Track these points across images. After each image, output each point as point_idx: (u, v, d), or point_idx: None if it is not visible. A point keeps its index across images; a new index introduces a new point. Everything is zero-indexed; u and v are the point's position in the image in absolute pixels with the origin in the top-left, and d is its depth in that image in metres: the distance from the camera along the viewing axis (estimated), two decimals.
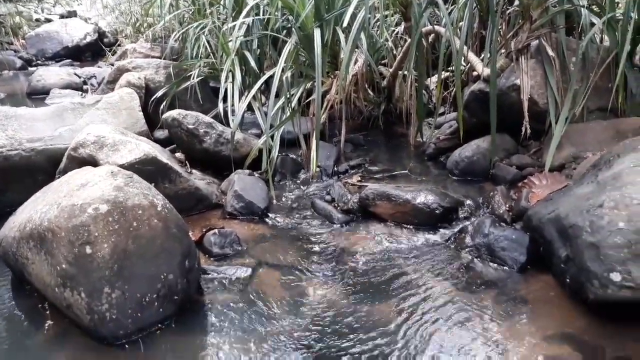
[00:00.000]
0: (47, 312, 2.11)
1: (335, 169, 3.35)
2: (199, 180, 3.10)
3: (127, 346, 1.84)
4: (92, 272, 1.80)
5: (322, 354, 1.78)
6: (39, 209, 2.04)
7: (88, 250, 1.79)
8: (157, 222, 1.94)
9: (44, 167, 3.03)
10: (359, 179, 3.09)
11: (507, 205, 2.56)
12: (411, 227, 2.63)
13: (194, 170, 3.26)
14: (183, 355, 1.85)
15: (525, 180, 2.68)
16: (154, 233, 1.92)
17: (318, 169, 3.19)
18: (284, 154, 3.40)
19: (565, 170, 2.67)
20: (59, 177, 2.78)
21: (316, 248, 2.55)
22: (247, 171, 3.21)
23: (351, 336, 1.86)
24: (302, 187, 3.23)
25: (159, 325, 1.93)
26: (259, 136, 3.54)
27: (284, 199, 3.09)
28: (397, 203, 2.65)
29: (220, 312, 2.06)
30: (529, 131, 2.78)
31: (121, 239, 1.84)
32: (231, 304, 2.10)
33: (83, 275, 1.80)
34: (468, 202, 2.69)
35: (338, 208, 2.84)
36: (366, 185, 2.84)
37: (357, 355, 1.77)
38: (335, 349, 1.80)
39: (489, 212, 2.58)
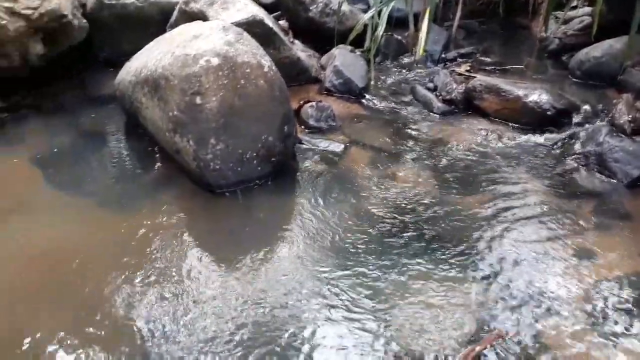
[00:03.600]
0: (157, 156, 2.30)
1: (443, 55, 3.16)
2: (300, 51, 3.07)
3: (227, 194, 1.98)
4: (200, 122, 1.89)
5: (402, 232, 1.82)
6: (154, 56, 2.12)
7: (198, 100, 1.87)
8: (263, 83, 1.97)
9: (155, 19, 3.11)
10: (468, 68, 2.90)
11: (630, 116, 2.31)
12: (517, 126, 2.48)
13: (295, 41, 3.21)
14: (275, 211, 1.97)
15: None
16: (259, 93, 1.96)
17: (424, 54, 3.01)
18: (389, 33, 3.24)
19: None
20: (169, 30, 2.85)
21: (411, 134, 2.50)
22: (349, 47, 3.11)
23: (433, 221, 1.87)
24: (403, 70, 3.11)
25: (256, 181, 2.05)
26: (365, 12, 3.35)
27: (383, 81, 3.00)
28: (506, 99, 2.48)
29: (311, 180, 2.13)
30: None
31: (229, 94, 1.90)
32: (322, 175, 2.17)
33: (193, 123, 1.90)
34: (585, 107, 2.46)
35: (440, 97, 2.72)
36: (474, 76, 2.67)
37: (436, 238, 1.78)
38: (415, 230, 1.83)
39: (607, 121, 2.35)
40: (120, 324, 1.43)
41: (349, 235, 1.80)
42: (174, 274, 1.62)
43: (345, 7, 3.17)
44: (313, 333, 1.41)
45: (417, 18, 3.10)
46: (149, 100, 2.11)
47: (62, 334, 1.40)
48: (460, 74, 2.82)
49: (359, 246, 1.74)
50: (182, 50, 1.94)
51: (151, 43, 2.43)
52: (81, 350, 1.35)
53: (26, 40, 2.60)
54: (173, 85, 1.91)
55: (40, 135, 2.56)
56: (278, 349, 1.36)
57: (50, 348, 1.36)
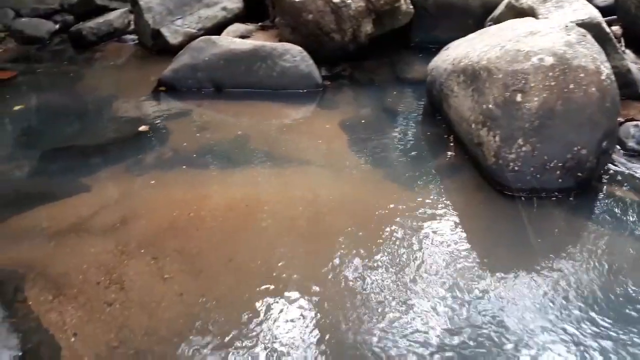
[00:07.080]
0: (450, 144, 2.33)
1: None
2: (631, 62, 2.68)
3: (522, 199, 1.88)
4: (514, 119, 1.83)
5: None
6: (478, 47, 2.13)
7: (518, 98, 1.81)
8: (595, 91, 1.78)
9: (475, 12, 3.14)
10: None
11: None
12: None
13: (627, 50, 2.82)
14: (570, 232, 1.78)
15: None
16: (586, 101, 1.79)
17: None
18: None
19: None
20: (488, 24, 2.84)
21: None
22: None
23: None
24: None
25: (556, 193, 1.89)
26: None
27: None
28: None
29: (618, 210, 1.86)
30: None
31: (552, 97, 1.78)
32: (631, 207, 1.87)
33: (505, 119, 1.86)
34: None
35: None
36: None
37: None
38: None
39: None
40: (353, 283, 1.53)
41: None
42: (438, 258, 1.64)
43: None
44: None
45: None
46: (461, 89, 2.15)
47: (301, 270, 1.57)
48: None
49: None
50: (513, 45, 1.89)
51: (473, 34, 2.44)
52: (307, 294, 1.49)
53: (361, 20, 2.93)
54: (495, 79, 1.89)
55: (351, 105, 2.88)
56: None
57: (285, 281, 1.54)
